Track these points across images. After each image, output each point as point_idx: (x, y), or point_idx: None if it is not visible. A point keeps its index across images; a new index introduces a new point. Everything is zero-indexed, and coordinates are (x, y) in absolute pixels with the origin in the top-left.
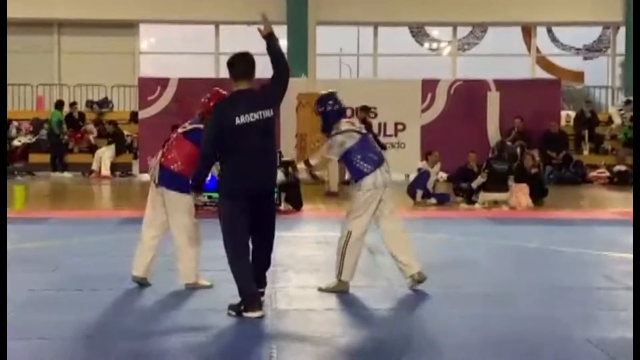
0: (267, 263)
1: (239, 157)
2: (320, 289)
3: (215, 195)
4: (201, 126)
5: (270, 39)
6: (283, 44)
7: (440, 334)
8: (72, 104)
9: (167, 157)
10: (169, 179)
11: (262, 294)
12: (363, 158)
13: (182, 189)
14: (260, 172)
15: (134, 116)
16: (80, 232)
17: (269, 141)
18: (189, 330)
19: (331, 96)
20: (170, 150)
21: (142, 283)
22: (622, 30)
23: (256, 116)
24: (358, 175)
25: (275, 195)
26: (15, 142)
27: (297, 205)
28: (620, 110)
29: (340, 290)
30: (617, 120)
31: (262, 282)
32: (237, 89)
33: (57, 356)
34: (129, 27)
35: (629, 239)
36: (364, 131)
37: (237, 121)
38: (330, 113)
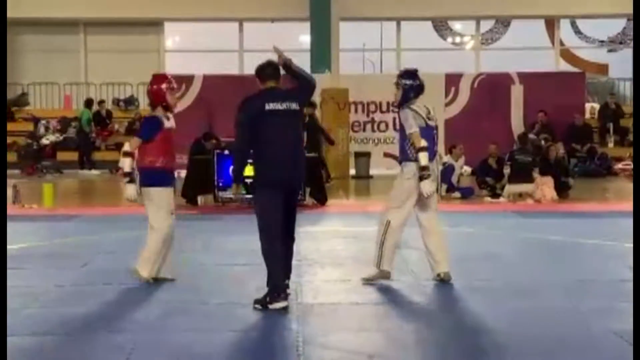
0: (291, 255)
1: (273, 147)
2: (363, 280)
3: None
4: (153, 114)
5: (286, 68)
6: (306, 40)
7: (468, 325)
8: (100, 102)
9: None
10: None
11: (287, 285)
12: None
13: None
14: (294, 162)
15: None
16: (108, 228)
17: (298, 134)
18: (215, 324)
19: (415, 73)
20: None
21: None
22: None
23: (284, 105)
24: (403, 157)
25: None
26: (44, 141)
27: (321, 200)
28: None
29: (383, 278)
30: None
31: (287, 273)
32: (266, 86)
33: (85, 350)
34: (154, 25)
35: None
36: (430, 122)
37: (267, 107)
38: (411, 88)
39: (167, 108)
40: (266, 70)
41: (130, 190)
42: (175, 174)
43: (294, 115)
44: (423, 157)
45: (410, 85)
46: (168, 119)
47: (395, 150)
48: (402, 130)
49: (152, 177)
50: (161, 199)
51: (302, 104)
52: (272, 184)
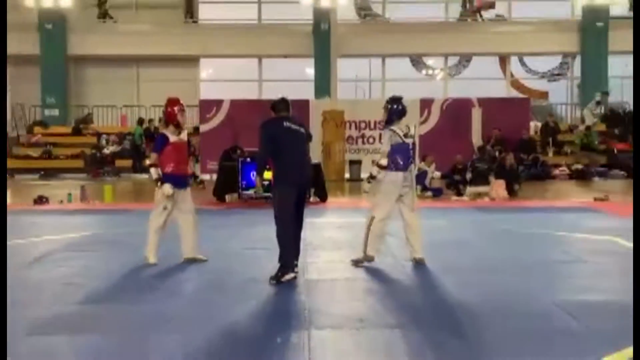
0: (299, 239)
1: (290, 157)
2: (352, 261)
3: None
4: (162, 131)
5: None
6: (311, 72)
7: (436, 297)
8: (150, 121)
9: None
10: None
11: (296, 264)
12: (393, 159)
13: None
14: (303, 168)
15: (196, 129)
16: None
17: (305, 148)
18: (240, 295)
19: (399, 99)
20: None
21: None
22: (578, 58)
23: (295, 127)
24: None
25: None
26: (105, 151)
27: (323, 197)
28: (594, 110)
29: (367, 261)
30: (589, 120)
31: (297, 254)
32: (280, 115)
33: (133, 318)
34: (192, 60)
35: (586, 223)
36: (407, 140)
37: (285, 124)
38: (394, 111)
39: (178, 126)
40: (279, 105)
41: (166, 187)
42: (194, 176)
43: (302, 135)
44: (374, 170)
45: (395, 108)
46: (179, 134)
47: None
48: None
49: (165, 180)
50: (162, 196)
51: (306, 132)
52: (288, 182)
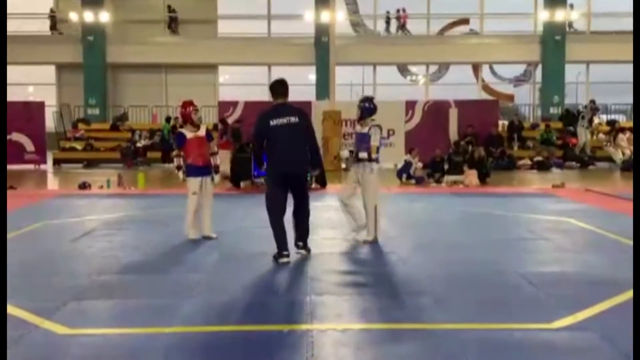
0: (306, 220)
1: (275, 150)
2: (364, 241)
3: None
4: (179, 130)
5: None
6: (313, 78)
7: (416, 269)
8: (176, 118)
9: None
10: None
11: (305, 245)
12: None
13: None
14: (291, 160)
15: (215, 127)
16: (182, 203)
17: (298, 139)
18: (252, 266)
19: (371, 99)
20: None
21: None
22: (540, 66)
23: (285, 120)
24: (370, 159)
25: (308, 177)
26: (138, 144)
27: (323, 184)
28: (585, 126)
29: (374, 242)
30: (584, 137)
31: (305, 235)
32: (275, 102)
33: (162, 286)
34: (211, 67)
35: (546, 206)
36: (359, 131)
37: (272, 123)
38: (366, 109)
39: (193, 124)
40: (276, 88)
41: (190, 183)
42: (212, 166)
43: (295, 125)
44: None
45: (367, 107)
46: (197, 129)
47: None
48: (365, 138)
49: (186, 170)
50: (190, 184)
51: (304, 121)
52: (274, 175)
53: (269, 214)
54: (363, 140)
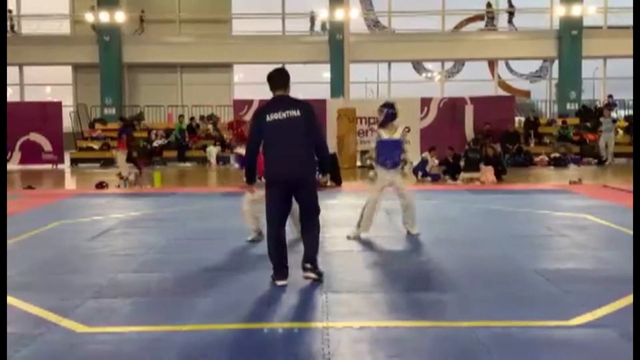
0: (315, 236)
1: (272, 149)
2: (347, 237)
3: None
4: (236, 152)
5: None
6: (327, 75)
7: (433, 266)
8: (192, 118)
9: None
10: None
11: (314, 267)
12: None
13: None
14: (291, 161)
15: (230, 125)
16: (198, 201)
17: (300, 135)
18: (263, 266)
19: (392, 104)
20: None
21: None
22: (556, 62)
23: (284, 114)
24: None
25: (320, 177)
26: (154, 144)
27: (338, 182)
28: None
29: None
30: (606, 135)
31: (313, 255)
32: (274, 95)
33: (181, 283)
34: (227, 67)
35: (563, 202)
36: (393, 136)
37: (268, 118)
38: (387, 114)
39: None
40: (275, 79)
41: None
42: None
43: (295, 120)
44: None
45: (388, 112)
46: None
47: None
48: (398, 145)
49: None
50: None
51: (307, 114)
52: (272, 180)
53: (267, 224)
54: (396, 147)
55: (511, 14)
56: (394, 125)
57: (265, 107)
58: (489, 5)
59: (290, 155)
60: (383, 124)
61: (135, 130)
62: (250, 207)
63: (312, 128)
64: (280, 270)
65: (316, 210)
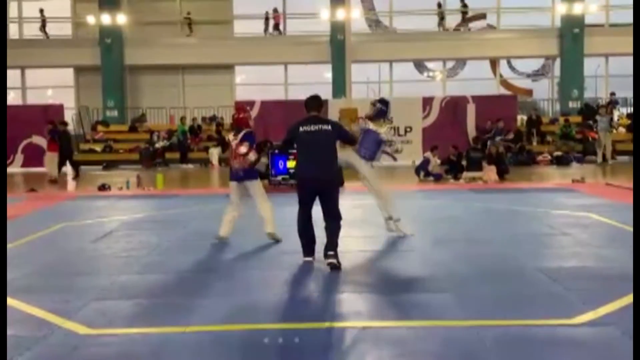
0: (333, 233)
1: (303, 157)
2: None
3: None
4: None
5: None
6: (329, 76)
7: (435, 265)
8: (194, 119)
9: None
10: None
11: (333, 255)
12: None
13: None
14: (317, 167)
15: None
16: (199, 203)
17: (328, 145)
18: (274, 264)
19: (387, 102)
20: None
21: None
22: (558, 60)
23: (316, 127)
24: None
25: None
26: (157, 145)
27: (341, 183)
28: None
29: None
30: (604, 134)
31: (335, 246)
32: (309, 115)
33: (183, 284)
34: (228, 68)
35: (566, 201)
36: (379, 132)
37: (301, 129)
38: (380, 111)
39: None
40: (310, 103)
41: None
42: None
43: (324, 133)
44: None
45: (381, 108)
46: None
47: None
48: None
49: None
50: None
51: (335, 130)
52: (299, 179)
53: (298, 217)
54: (376, 143)
55: (464, 14)
56: (381, 123)
57: (301, 121)
58: (439, 5)
59: (317, 160)
60: (372, 118)
61: (67, 132)
62: (231, 210)
63: (342, 134)
64: (308, 247)
65: (337, 216)
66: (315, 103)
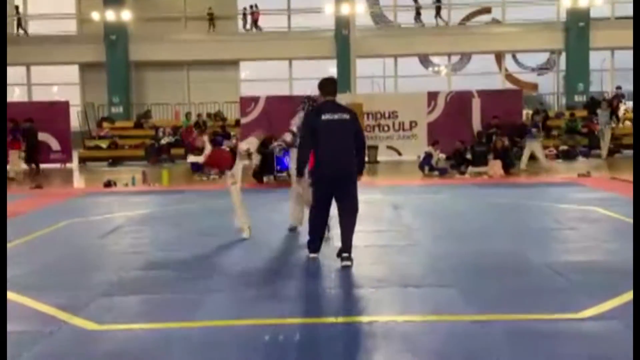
0: (350, 230)
1: (323, 150)
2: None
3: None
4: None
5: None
6: (334, 71)
7: (441, 259)
8: (199, 115)
9: None
10: None
11: (348, 257)
12: None
13: None
14: (338, 158)
15: (237, 122)
16: (204, 199)
17: (348, 137)
18: (273, 262)
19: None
20: None
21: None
22: (563, 54)
23: (336, 116)
24: None
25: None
26: (162, 142)
27: None
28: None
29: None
30: (607, 133)
31: (349, 247)
32: (326, 99)
33: (195, 280)
34: (233, 63)
35: (572, 195)
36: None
37: (323, 117)
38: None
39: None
40: (326, 86)
41: None
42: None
43: (344, 122)
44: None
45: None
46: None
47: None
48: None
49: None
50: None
51: (354, 119)
52: (318, 174)
53: (311, 208)
54: None
55: (438, 9)
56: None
57: (320, 107)
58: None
59: (339, 151)
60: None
61: (32, 129)
62: (295, 200)
63: (358, 131)
64: (313, 245)
65: (355, 209)
66: (332, 87)
